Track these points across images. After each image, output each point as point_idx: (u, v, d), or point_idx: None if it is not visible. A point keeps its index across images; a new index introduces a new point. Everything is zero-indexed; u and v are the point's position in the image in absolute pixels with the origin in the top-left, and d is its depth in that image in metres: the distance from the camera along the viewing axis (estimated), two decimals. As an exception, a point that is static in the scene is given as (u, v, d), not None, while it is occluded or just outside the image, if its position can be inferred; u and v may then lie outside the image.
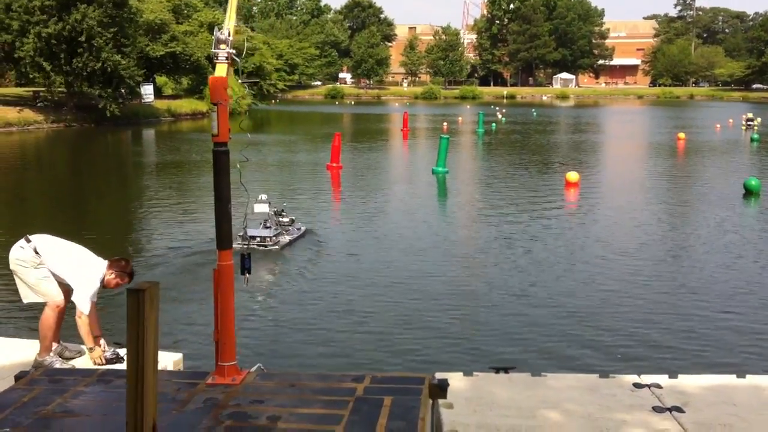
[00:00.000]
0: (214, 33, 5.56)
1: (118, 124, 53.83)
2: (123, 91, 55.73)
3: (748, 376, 7.26)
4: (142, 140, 48.19)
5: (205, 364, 8.01)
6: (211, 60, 5.66)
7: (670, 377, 7.21)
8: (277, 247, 14.86)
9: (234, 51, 5.55)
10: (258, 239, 14.68)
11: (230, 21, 5.79)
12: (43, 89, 57.19)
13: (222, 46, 5.52)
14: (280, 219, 15.72)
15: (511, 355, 9.36)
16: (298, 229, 16.19)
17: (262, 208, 15.12)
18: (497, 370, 7.69)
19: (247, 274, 5.96)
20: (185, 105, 66.87)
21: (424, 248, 15.55)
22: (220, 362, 5.17)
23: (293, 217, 16.37)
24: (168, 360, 7.09)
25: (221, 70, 5.42)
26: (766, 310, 11.36)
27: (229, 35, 5.58)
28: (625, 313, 11.17)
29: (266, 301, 11.76)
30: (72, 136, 48.09)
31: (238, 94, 65.38)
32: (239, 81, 7.16)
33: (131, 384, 2.35)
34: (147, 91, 63.29)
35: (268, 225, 15.24)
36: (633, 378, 7.35)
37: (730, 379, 7.15)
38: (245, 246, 14.11)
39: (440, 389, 5.14)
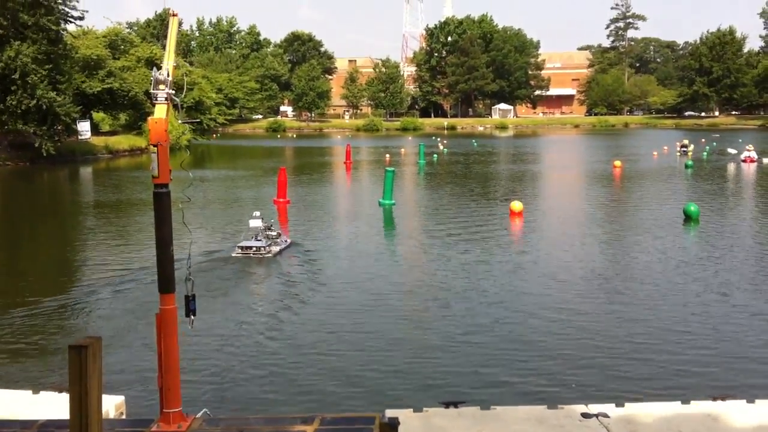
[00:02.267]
0: (153, 73, 5.51)
1: (55, 162, 52.69)
2: (59, 128, 54.54)
3: (692, 402, 7.37)
4: (80, 179, 47.26)
5: (149, 409, 7.81)
6: (150, 97, 5.60)
7: (617, 406, 7.27)
8: (270, 254, 17.73)
9: (173, 91, 5.51)
10: (254, 249, 17.71)
11: (169, 61, 5.74)
12: (-25, 127, 55.77)
13: (161, 86, 5.47)
14: (269, 233, 18.46)
15: (461, 388, 9.34)
16: (285, 241, 19.11)
17: (255, 223, 18.41)
18: (447, 405, 7.67)
19: (192, 317, 5.84)
20: (123, 141, 65.90)
21: (373, 280, 15.52)
22: (165, 409, 5.05)
23: (280, 231, 19.29)
24: (110, 404, 6.88)
25: (161, 111, 5.36)
26: (709, 336, 11.57)
27: (168, 75, 5.53)
28: (571, 341, 11.28)
29: (218, 331, 11.55)
30: (6, 175, 46.88)
31: (177, 130, 64.83)
32: (178, 120, 7.07)
33: (73, 444, 2.27)
34: (84, 127, 62.15)
35: (259, 238, 18.12)
36: (581, 408, 7.40)
37: (675, 407, 7.25)
38: (242, 254, 17.54)
39: (391, 428, 5.10)
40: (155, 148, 5.27)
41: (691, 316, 12.67)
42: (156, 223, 5.27)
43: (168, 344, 5.20)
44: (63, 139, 56.31)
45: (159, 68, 5.66)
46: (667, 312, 12.88)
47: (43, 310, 13.53)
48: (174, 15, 6.40)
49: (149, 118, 5.34)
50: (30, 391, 7.16)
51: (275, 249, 18.14)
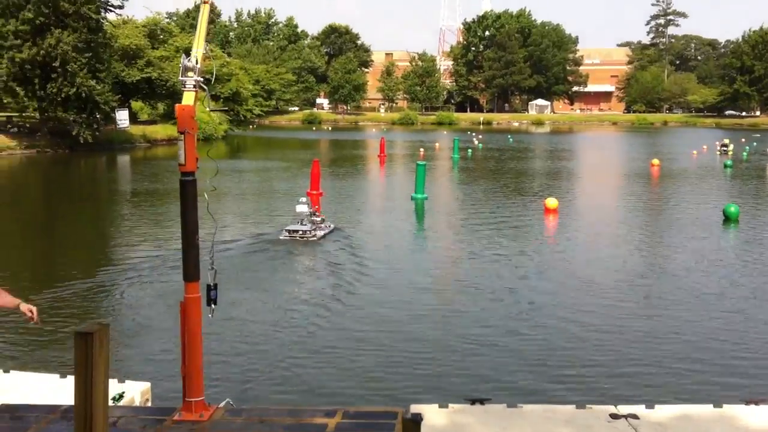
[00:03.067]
0: (182, 60, 5.45)
1: (93, 150, 53.34)
2: (97, 116, 55.17)
3: (725, 406, 7.19)
4: (117, 167, 47.79)
5: (175, 395, 7.82)
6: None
7: (646, 407, 7.11)
8: (315, 238, 18.84)
9: (202, 79, 5.46)
10: (300, 232, 18.83)
11: (198, 48, 5.68)
12: (16, 114, 56.61)
13: (189, 73, 5.42)
14: (314, 218, 19.57)
15: (488, 386, 9.24)
16: (329, 226, 20.14)
17: (302, 208, 19.27)
18: (473, 402, 7.56)
19: (213, 306, 5.81)
20: (160, 131, 66.46)
21: (404, 277, 15.45)
22: (188, 398, 5.01)
23: (324, 217, 20.39)
24: (135, 390, 6.90)
25: (188, 98, 5.31)
26: (747, 342, 11.29)
27: (197, 63, 5.48)
28: (602, 344, 11.08)
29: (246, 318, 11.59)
30: (45, 162, 47.59)
31: (214, 121, 65.28)
32: (208, 108, 7.06)
33: (79, 432, 2.22)
34: (122, 116, 62.79)
35: (304, 222, 19.29)
36: (609, 408, 7.25)
37: (706, 410, 7.07)
38: (289, 238, 18.70)
39: (414, 423, 5.01)
40: (182, 136, 5.22)
41: (729, 320, 12.37)
42: (182, 211, 5.23)
43: (191, 333, 5.16)
44: (101, 127, 56.96)
45: (188, 55, 5.60)
46: (703, 316, 12.59)
47: (73, 294, 13.68)
48: (206, 2, 6.34)
49: (177, 105, 5.29)
50: (57, 375, 7.19)
51: (320, 233, 19.23)
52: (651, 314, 12.64)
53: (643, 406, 7.16)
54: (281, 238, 19.05)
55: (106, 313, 12.68)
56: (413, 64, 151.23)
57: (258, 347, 10.76)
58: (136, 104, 75.00)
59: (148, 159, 51.60)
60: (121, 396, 6.50)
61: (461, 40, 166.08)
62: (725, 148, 57.29)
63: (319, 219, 19.87)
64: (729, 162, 45.69)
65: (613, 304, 13.27)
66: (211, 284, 5.76)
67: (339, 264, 16.57)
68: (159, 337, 11.12)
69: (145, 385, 7.15)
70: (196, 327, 5.16)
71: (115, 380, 7.15)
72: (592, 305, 13.14)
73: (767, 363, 10.29)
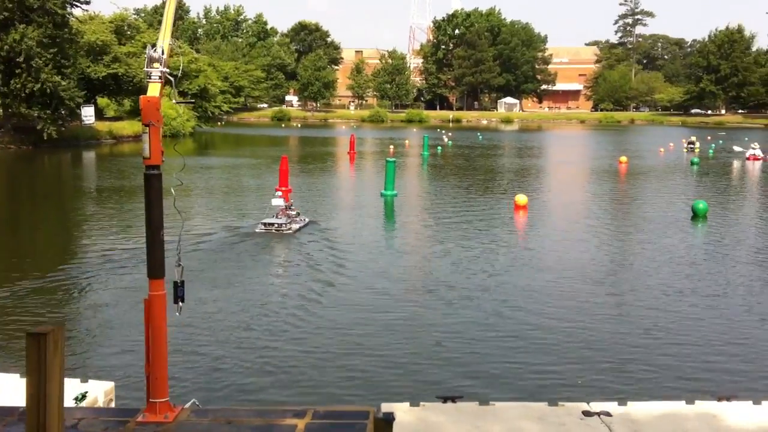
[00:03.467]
0: (147, 51, 5.30)
1: (57, 147, 52.52)
2: (63, 112, 54.33)
3: (697, 402, 7.18)
4: (82, 163, 47.09)
5: (140, 396, 7.64)
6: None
7: (619, 404, 7.08)
8: (290, 231, 19.38)
9: (168, 70, 5.30)
10: (276, 225, 19.37)
11: (164, 39, 5.53)
12: (-22, 110, 55.60)
13: (155, 65, 5.26)
14: (289, 212, 20.17)
15: (459, 383, 9.17)
16: (303, 219, 20.78)
17: (278, 201, 19.95)
18: (444, 400, 7.48)
19: (180, 303, 5.65)
20: (127, 127, 65.61)
21: (372, 272, 15.33)
22: (152, 398, 4.86)
23: (298, 211, 20.96)
24: (98, 389, 6.73)
25: (154, 89, 5.16)
26: (717, 337, 11.34)
27: (162, 54, 5.32)
28: (573, 339, 11.08)
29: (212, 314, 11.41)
30: (9, 159, 46.74)
31: (182, 117, 64.61)
32: (173, 101, 6.90)
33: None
34: (87, 112, 61.88)
35: (279, 216, 19.83)
36: (582, 406, 7.20)
37: (679, 406, 7.05)
38: (264, 231, 19.18)
39: (386, 423, 4.91)
40: (147, 128, 5.07)
41: (698, 315, 12.45)
42: (146, 206, 5.07)
43: (156, 332, 5.01)
44: (67, 123, 56.11)
45: (153, 47, 5.44)
46: (673, 311, 12.64)
47: (35, 291, 13.40)
48: (172, -9, 6.17)
49: (141, 96, 5.13)
50: (17, 375, 7.00)
51: (295, 226, 19.84)
52: (622, 311, 12.66)
53: (616, 402, 7.13)
54: (257, 230, 19.52)
55: (70, 311, 12.42)
56: (383, 61, 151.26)
57: (228, 344, 10.59)
58: (102, 100, 74.05)
59: (114, 155, 50.92)
60: (83, 396, 6.33)
61: (431, 38, 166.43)
62: (692, 146, 58.04)
63: (294, 212, 20.47)
64: (696, 159, 46.23)
65: (585, 300, 13.27)
66: (178, 281, 5.60)
67: (312, 255, 16.94)
68: (124, 335, 10.90)
69: (109, 385, 6.99)
70: (161, 325, 5.01)
71: (78, 380, 6.97)
72: (564, 302, 13.12)
73: (739, 359, 10.32)
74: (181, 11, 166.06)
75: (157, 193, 5.04)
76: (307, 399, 8.50)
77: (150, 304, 5.00)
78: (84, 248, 18.38)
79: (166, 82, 5.35)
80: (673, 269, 15.86)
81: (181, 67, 6.68)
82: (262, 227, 19.66)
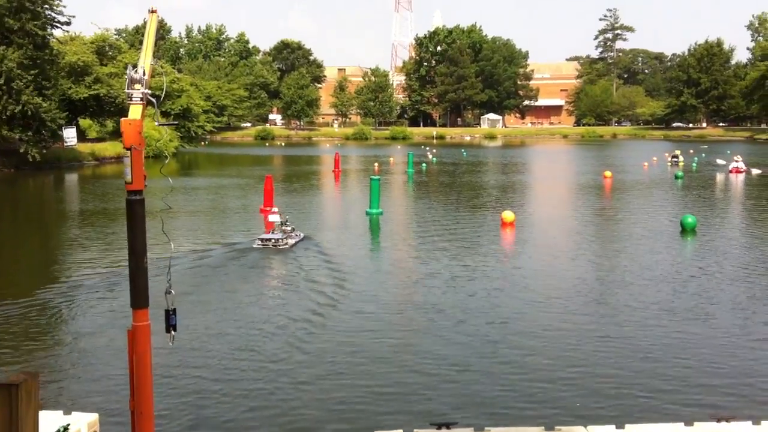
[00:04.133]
0: (128, 72, 5.14)
1: (39, 169, 52.06)
2: (44, 134, 53.90)
3: (696, 423, 7.03)
4: (64, 185, 46.60)
5: (124, 430, 7.38)
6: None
7: (617, 428, 6.92)
8: (286, 246, 19.88)
9: (150, 91, 5.14)
10: (273, 241, 19.89)
11: (146, 59, 5.37)
12: (-41, 133, 54.99)
13: (136, 86, 5.10)
14: (284, 227, 20.74)
15: (453, 408, 8.96)
16: (298, 235, 21.30)
17: (274, 218, 20.61)
18: (438, 426, 7.30)
19: (173, 332, 5.44)
20: (110, 148, 65.16)
21: (358, 294, 15.11)
22: (137, 435, 4.66)
23: (294, 227, 21.51)
24: (82, 422, 6.48)
25: (135, 112, 4.99)
26: (714, 355, 11.14)
27: (144, 74, 5.16)
28: (568, 360, 10.85)
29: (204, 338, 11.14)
30: (-10, 181, 46.25)
31: (165, 138, 64.31)
32: (156, 123, 6.70)
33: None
34: (69, 134, 61.48)
35: (275, 232, 20.30)
36: (579, 430, 7.04)
37: (678, 428, 6.91)
38: (262, 246, 19.74)
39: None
40: (129, 152, 4.89)
41: (694, 334, 12.25)
42: (129, 233, 4.88)
43: (140, 365, 4.80)
44: (49, 145, 55.68)
45: (135, 67, 5.27)
46: (669, 330, 12.40)
47: (17, 317, 13.08)
48: (153, 11, 6.03)
49: (123, 119, 4.95)
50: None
51: (291, 242, 20.36)
52: (617, 332, 12.39)
53: (614, 426, 6.97)
54: (254, 246, 20.08)
55: (52, 340, 12.12)
56: (366, 79, 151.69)
57: (221, 371, 10.32)
58: (85, 122, 73.53)
59: (96, 177, 50.50)
60: (66, 429, 6.09)
61: (413, 55, 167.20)
62: (676, 159, 58.29)
63: (289, 228, 21.08)
64: (680, 173, 46.37)
65: (578, 321, 13.02)
66: (169, 309, 5.40)
67: (306, 270, 17.56)
68: (109, 364, 10.61)
69: (93, 417, 6.74)
70: (145, 358, 4.81)
71: (60, 411, 6.73)
72: (556, 324, 12.86)
73: (737, 379, 10.13)
74: (163, 31, 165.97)
75: (140, 219, 4.86)
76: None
77: (134, 335, 4.80)
78: (67, 273, 18.01)
79: (148, 103, 5.19)
80: (666, 287, 15.61)
81: (164, 87, 6.50)
82: (259, 243, 20.16)
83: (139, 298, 4.92)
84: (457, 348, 11.46)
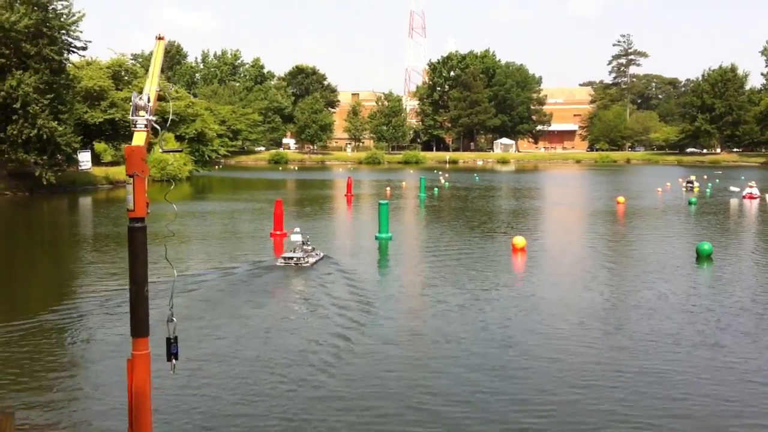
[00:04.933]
0: (133, 98, 5.11)
1: (54, 192, 52.37)
2: (59, 158, 54.29)
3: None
4: (78, 209, 46.81)
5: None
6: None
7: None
8: (307, 264, 21.09)
9: (154, 118, 5.11)
10: (295, 259, 21.17)
11: (151, 86, 5.35)
12: (-25, 156, 55.44)
13: (141, 112, 5.08)
14: (305, 246, 22.01)
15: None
16: (318, 254, 22.48)
17: (296, 237, 22.04)
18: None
19: (174, 361, 5.37)
20: (123, 172, 65.39)
21: (365, 318, 15.01)
22: (135, 467, 4.57)
23: (314, 246, 22.83)
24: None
25: (139, 138, 4.97)
26: (727, 390, 10.92)
27: (148, 101, 5.14)
28: (586, 395, 10.59)
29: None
30: (5, 204, 46.52)
31: (179, 161, 64.60)
32: (161, 150, 6.69)
33: None
34: (84, 158, 61.91)
35: (296, 251, 21.65)
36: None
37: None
38: (284, 264, 20.99)
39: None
40: (131, 179, 4.85)
41: (708, 365, 12.02)
42: (130, 261, 4.83)
43: (139, 394, 4.73)
44: (63, 169, 56.07)
45: (139, 94, 5.25)
46: (692, 364, 12.15)
47: (22, 340, 13.05)
48: (160, 38, 6.02)
49: (126, 146, 4.92)
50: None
51: (311, 260, 21.55)
52: (638, 366, 12.05)
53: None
54: (278, 264, 21.32)
55: (53, 365, 12.06)
56: (379, 103, 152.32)
57: (232, 395, 10.24)
58: (100, 146, 74.07)
59: (110, 201, 50.70)
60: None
61: (427, 80, 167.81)
62: (691, 185, 57.99)
63: (309, 247, 22.27)
64: (693, 199, 46.07)
65: (596, 355, 12.69)
66: (171, 337, 5.33)
67: (329, 285, 18.75)
68: (108, 395, 10.52)
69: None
70: (145, 388, 4.73)
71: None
72: (573, 357, 12.54)
73: (757, 417, 9.90)
74: (179, 56, 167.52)
75: (142, 247, 4.81)
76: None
77: (133, 364, 4.74)
78: (75, 297, 17.98)
79: (153, 129, 5.16)
80: (686, 317, 15.18)
81: (170, 112, 6.48)
82: (282, 261, 21.39)
83: (139, 327, 4.86)
84: (469, 383, 11.28)
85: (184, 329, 11.95)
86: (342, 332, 13.84)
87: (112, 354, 12.37)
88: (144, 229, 4.84)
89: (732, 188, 56.19)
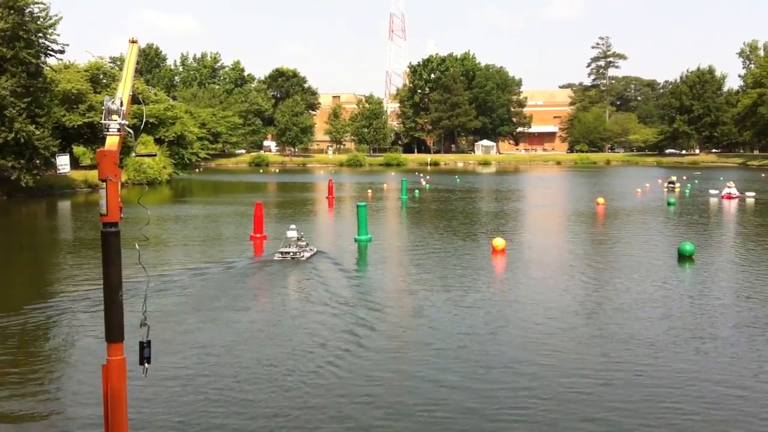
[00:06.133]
0: (105, 102, 5.08)
1: (32, 196, 51.93)
2: (37, 162, 53.86)
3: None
4: (57, 213, 46.44)
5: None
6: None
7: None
8: (303, 258, 22.79)
9: (126, 122, 5.07)
10: (291, 253, 22.97)
11: (125, 89, 5.32)
12: (-49, 160, 54.84)
13: (114, 116, 5.05)
14: (300, 242, 23.56)
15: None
16: (312, 249, 24.03)
17: (291, 233, 23.59)
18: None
19: (146, 365, 5.33)
20: (101, 176, 64.99)
21: (341, 321, 14.99)
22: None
23: (308, 242, 24.29)
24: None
25: (111, 142, 4.93)
26: (716, 391, 10.98)
27: (121, 105, 5.10)
28: (570, 401, 10.57)
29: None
30: (-19, 209, 46.05)
31: (158, 164, 64.26)
32: (134, 154, 6.65)
33: None
34: (62, 161, 61.42)
35: (292, 246, 23.30)
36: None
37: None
38: (281, 258, 22.69)
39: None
40: (104, 183, 4.81)
41: (705, 369, 12.03)
42: (104, 266, 4.79)
43: (115, 400, 4.69)
44: (42, 172, 55.63)
45: (112, 98, 5.21)
46: (668, 362, 12.25)
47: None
48: (134, 41, 5.99)
49: (98, 150, 4.89)
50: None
51: (306, 255, 23.20)
52: (616, 367, 12.19)
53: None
54: (275, 258, 22.81)
55: (26, 371, 11.95)
56: (360, 106, 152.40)
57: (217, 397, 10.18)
58: (78, 149, 73.53)
59: (89, 204, 50.26)
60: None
61: (407, 82, 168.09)
62: (672, 185, 58.52)
63: (303, 243, 23.73)
64: (672, 200, 46.33)
65: (579, 359, 12.64)
66: (144, 341, 5.29)
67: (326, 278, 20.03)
68: (80, 403, 10.43)
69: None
70: (120, 393, 4.70)
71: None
72: (555, 362, 12.44)
73: (738, 413, 9.94)
74: (158, 59, 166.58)
75: (115, 252, 4.77)
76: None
77: (108, 370, 4.70)
78: (51, 300, 17.81)
79: (130, 133, 5.12)
80: (670, 321, 15.07)
81: (144, 115, 6.46)
82: (279, 255, 22.92)
83: (114, 332, 4.82)
84: (453, 390, 11.29)
85: (184, 327, 11.72)
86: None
87: (89, 359, 12.25)
88: (117, 233, 4.80)
89: (711, 191, 56.65)
